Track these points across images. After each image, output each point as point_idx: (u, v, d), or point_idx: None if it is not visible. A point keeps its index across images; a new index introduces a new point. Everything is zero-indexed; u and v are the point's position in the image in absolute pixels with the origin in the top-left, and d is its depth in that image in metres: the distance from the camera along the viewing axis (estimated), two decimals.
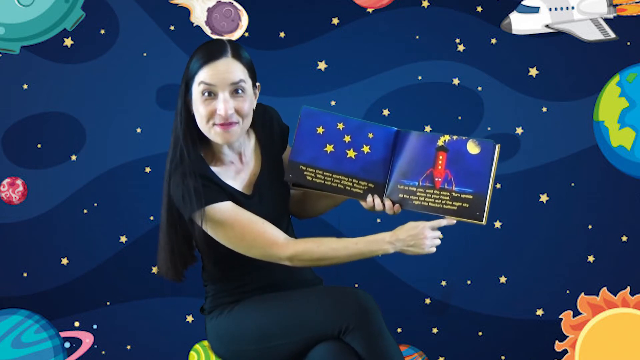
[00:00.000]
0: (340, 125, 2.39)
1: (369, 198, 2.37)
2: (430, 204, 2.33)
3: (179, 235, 2.42)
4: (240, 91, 2.36)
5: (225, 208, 2.35)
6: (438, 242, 2.33)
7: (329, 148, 2.38)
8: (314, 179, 2.38)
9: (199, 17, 3.42)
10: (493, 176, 2.31)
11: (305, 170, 2.38)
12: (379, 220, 3.43)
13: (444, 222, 2.33)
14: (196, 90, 2.35)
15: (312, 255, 2.33)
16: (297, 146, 2.39)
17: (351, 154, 2.38)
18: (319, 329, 2.30)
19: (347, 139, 2.38)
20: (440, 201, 2.32)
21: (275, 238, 2.34)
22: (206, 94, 2.34)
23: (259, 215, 2.38)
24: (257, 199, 2.43)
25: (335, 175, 2.38)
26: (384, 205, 2.37)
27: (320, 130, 2.39)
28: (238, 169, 2.45)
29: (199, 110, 2.35)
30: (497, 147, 2.31)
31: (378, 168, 2.37)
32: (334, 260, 2.34)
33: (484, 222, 2.30)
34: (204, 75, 2.34)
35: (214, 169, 2.41)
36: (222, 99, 2.34)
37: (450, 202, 2.31)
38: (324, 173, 2.38)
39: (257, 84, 2.44)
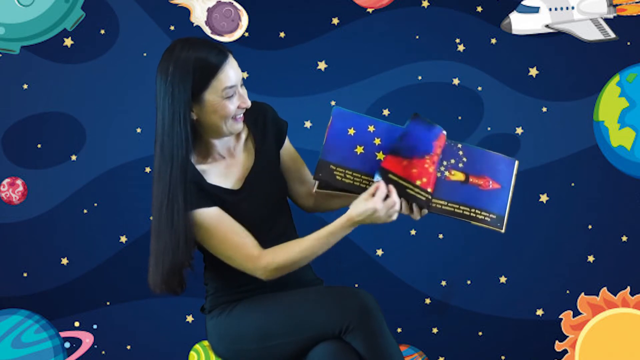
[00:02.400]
0: (371, 128, 2.40)
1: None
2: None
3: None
4: (242, 80, 2.43)
5: (209, 215, 2.38)
6: (395, 210, 2.31)
7: (359, 149, 2.39)
8: (343, 179, 2.38)
9: (199, 17, 3.42)
10: (512, 190, 2.36)
11: (335, 170, 2.39)
12: None
13: (379, 188, 2.31)
14: (217, 96, 2.37)
15: (284, 261, 2.37)
16: (328, 146, 2.39)
17: (380, 156, 2.38)
18: (320, 328, 2.30)
19: (377, 141, 2.39)
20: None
21: (251, 252, 2.38)
22: (231, 94, 2.37)
23: (249, 210, 2.42)
24: (247, 194, 2.43)
25: (364, 176, 2.38)
26: (410, 208, 2.37)
27: (351, 131, 2.40)
28: (229, 164, 2.47)
29: (225, 110, 2.38)
30: (516, 163, 2.37)
31: None
32: (305, 261, 2.39)
33: (502, 231, 2.35)
34: (225, 80, 2.36)
35: (202, 167, 2.43)
36: (242, 93, 2.41)
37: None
38: (354, 174, 2.39)
39: None
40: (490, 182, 2.36)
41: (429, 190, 2.33)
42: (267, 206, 2.47)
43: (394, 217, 2.32)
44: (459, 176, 2.37)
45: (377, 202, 2.29)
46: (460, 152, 2.37)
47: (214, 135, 2.43)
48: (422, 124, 2.37)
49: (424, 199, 2.32)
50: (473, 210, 2.35)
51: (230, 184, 2.45)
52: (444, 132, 2.37)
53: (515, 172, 2.37)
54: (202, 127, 2.41)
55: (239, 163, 2.48)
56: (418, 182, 2.33)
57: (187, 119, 2.36)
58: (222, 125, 2.40)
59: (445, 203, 2.35)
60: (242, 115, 2.42)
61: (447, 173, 2.36)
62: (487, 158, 2.38)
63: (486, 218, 2.35)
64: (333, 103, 3.43)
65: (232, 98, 2.38)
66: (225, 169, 2.46)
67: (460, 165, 2.37)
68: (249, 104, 2.41)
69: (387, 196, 2.30)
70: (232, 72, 2.37)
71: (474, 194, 2.35)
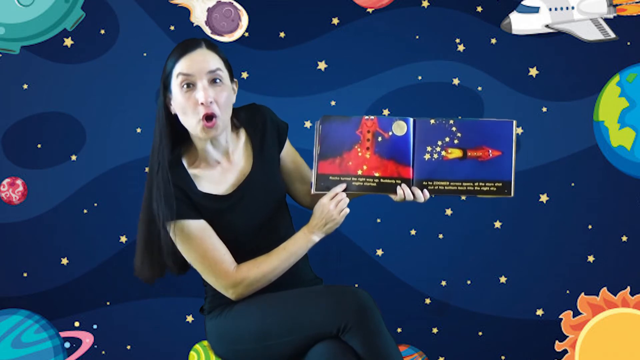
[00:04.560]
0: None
1: (399, 190, 2.38)
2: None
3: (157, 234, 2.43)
4: (218, 80, 2.37)
5: (193, 227, 2.38)
6: (344, 206, 2.38)
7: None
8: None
9: (199, 17, 3.42)
10: (514, 152, 2.37)
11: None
12: (378, 220, 3.44)
13: (338, 188, 2.37)
14: (175, 85, 2.36)
15: (257, 275, 2.40)
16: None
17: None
18: (318, 328, 2.30)
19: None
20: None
21: (227, 268, 2.40)
22: (185, 85, 2.35)
23: (240, 215, 2.42)
24: (238, 198, 2.43)
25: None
26: (413, 194, 2.38)
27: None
28: (225, 169, 2.46)
29: (181, 103, 2.36)
30: (514, 123, 2.38)
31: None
32: (275, 273, 2.41)
33: (512, 195, 2.36)
34: (181, 66, 2.35)
35: (194, 171, 2.42)
36: (201, 87, 2.35)
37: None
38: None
39: (235, 79, 2.45)
40: (490, 151, 2.38)
41: (376, 174, 2.35)
42: (262, 211, 2.46)
43: (345, 210, 2.38)
44: (456, 153, 2.38)
45: (323, 200, 2.37)
46: (454, 129, 2.38)
47: (196, 139, 2.42)
48: (335, 122, 2.38)
49: (393, 182, 2.35)
50: (477, 183, 2.37)
51: (222, 189, 2.44)
52: (366, 117, 2.38)
53: (514, 132, 2.37)
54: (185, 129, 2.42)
55: (236, 168, 2.47)
56: (359, 172, 2.36)
57: (165, 111, 2.38)
58: (191, 124, 2.36)
59: (447, 183, 2.37)
60: (212, 121, 2.34)
61: (443, 153, 2.37)
62: (482, 127, 2.39)
63: (492, 188, 2.37)
64: (333, 103, 3.43)
65: (191, 91, 2.34)
66: (220, 175, 2.45)
67: (456, 141, 2.38)
68: (204, 100, 2.33)
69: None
70: (191, 61, 2.34)
71: (475, 167, 2.37)
